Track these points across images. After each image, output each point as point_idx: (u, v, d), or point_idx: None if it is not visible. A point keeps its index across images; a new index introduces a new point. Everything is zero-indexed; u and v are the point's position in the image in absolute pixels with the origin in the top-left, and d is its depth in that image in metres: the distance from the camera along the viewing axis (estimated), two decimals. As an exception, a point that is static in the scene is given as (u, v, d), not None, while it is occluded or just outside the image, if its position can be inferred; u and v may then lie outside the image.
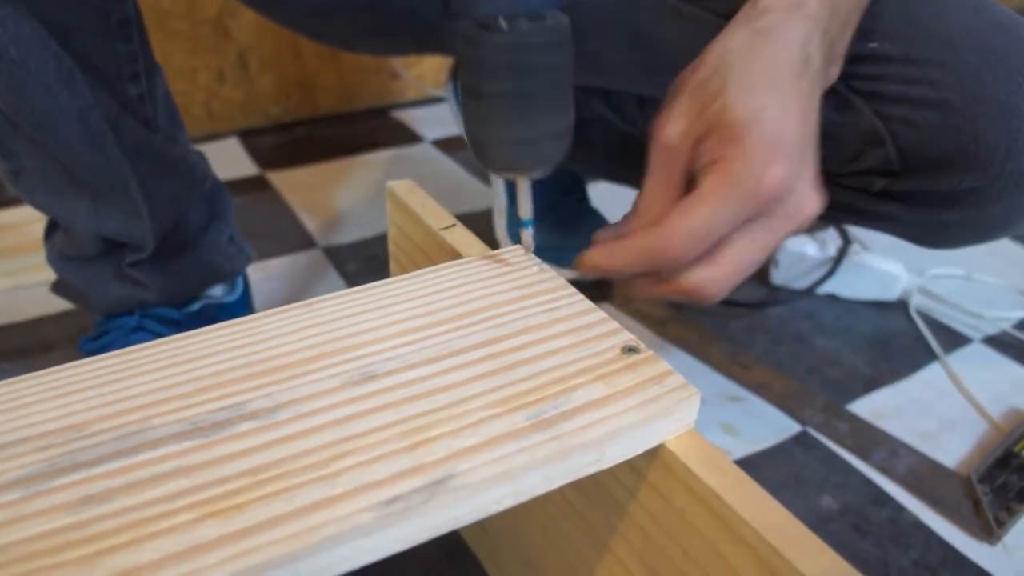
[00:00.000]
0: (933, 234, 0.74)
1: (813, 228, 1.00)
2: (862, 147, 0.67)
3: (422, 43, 0.89)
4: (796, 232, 0.48)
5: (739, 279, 0.47)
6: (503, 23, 0.40)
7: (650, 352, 0.40)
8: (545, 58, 0.41)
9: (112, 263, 0.75)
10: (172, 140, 0.74)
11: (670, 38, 0.75)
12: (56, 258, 0.77)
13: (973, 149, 0.62)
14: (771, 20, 0.49)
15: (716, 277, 0.46)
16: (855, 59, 0.61)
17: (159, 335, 0.77)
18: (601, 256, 0.47)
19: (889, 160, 0.67)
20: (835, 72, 0.54)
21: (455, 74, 1.13)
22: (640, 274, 0.47)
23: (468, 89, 0.42)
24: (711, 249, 0.46)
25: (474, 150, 0.44)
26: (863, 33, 0.58)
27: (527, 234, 0.47)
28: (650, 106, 0.88)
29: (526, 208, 0.46)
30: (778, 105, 0.46)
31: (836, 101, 0.52)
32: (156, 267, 0.75)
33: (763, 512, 0.33)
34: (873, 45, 0.63)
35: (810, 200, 0.47)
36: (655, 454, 0.37)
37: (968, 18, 0.64)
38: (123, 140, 0.67)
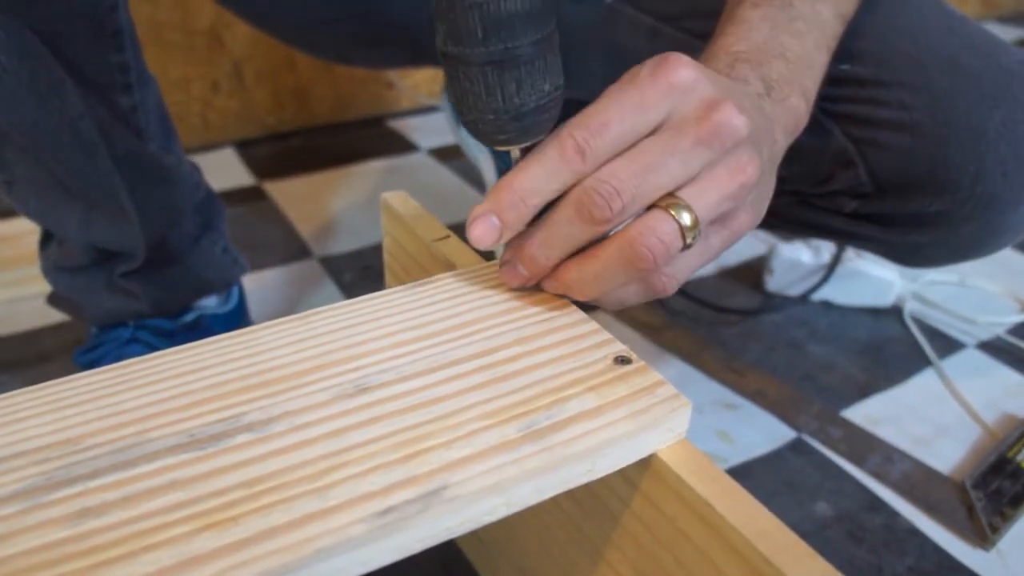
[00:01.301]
0: (909, 254, 0.74)
1: (787, 237, 1.01)
2: (833, 168, 0.68)
3: (415, 56, 0.90)
4: (726, 174, 0.41)
5: (649, 187, 0.40)
6: None
7: (642, 362, 0.40)
8: (524, 16, 0.39)
9: (104, 273, 0.75)
10: (164, 150, 0.74)
11: (647, 57, 0.75)
12: (50, 269, 0.77)
13: (943, 172, 0.63)
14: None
15: (618, 170, 0.40)
16: (827, 80, 0.61)
17: (153, 346, 0.77)
18: (500, 194, 0.41)
19: (860, 182, 0.67)
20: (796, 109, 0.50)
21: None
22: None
23: (448, 61, 0.41)
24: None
25: (463, 123, 0.43)
26: (836, 54, 0.58)
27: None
28: None
29: None
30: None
31: (808, 123, 0.51)
32: (148, 277, 0.76)
33: (753, 520, 0.34)
34: (845, 67, 0.63)
35: (740, 124, 0.41)
36: (647, 464, 0.37)
37: (942, 39, 0.64)
38: (114, 149, 0.67)
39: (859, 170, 0.66)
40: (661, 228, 0.40)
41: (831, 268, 0.97)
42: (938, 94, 0.62)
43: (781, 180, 0.49)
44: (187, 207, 0.77)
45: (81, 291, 0.77)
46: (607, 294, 0.43)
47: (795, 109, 0.49)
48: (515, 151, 0.44)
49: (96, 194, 0.68)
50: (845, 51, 0.62)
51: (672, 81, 0.41)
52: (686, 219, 0.40)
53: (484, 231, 0.41)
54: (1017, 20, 2.28)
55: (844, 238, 0.76)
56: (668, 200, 0.40)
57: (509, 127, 0.41)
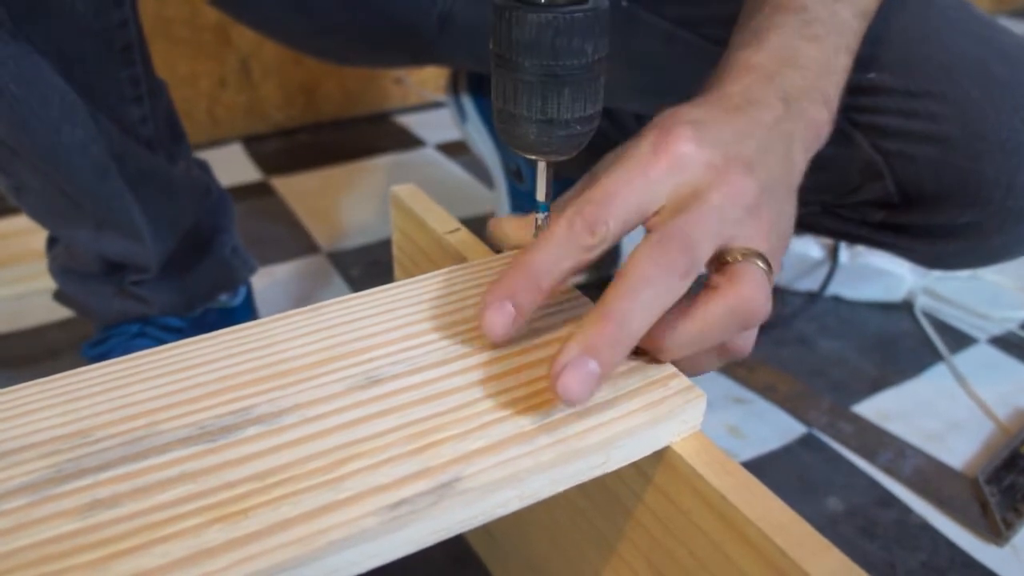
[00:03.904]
0: (933, 260, 0.73)
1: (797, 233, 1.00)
2: (860, 180, 0.66)
3: (418, 58, 0.89)
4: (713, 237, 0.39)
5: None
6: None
7: (655, 354, 0.40)
8: (579, 40, 0.40)
9: (114, 281, 0.75)
10: (174, 157, 0.74)
11: (664, 61, 0.74)
12: (57, 270, 0.77)
13: (973, 185, 0.61)
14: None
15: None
16: (854, 90, 0.58)
17: (161, 340, 0.77)
18: (514, 276, 0.39)
19: (888, 193, 0.66)
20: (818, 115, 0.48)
21: (456, 87, 1.13)
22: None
23: (499, 63, 0.41)
24: None
25: (498, 126, 0.44)
26: (863, 62, 0.57)
27: (542, 218, 0.46)
28: (647, 122, 0.88)
29: (543, 191, 0.45)
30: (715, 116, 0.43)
31: (834, 134, 0.50)
32: (158, 285, 0.75)
33: (769, 513, 0.33)
34: (872, 76, 0.62)
35: (743, 183, 0.40)
36: (661, 456, 0.37)
37: (972, 47, 0.62)
38: (126, 169, 0.67)
39: (887, 182, 0.64)
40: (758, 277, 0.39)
41: (834, 256, 0.97)
42: (969, 105, 0.60)
43: (805, 190, 0.48)
44: (198, 213, 0.77)
45: (89, 294, 0.77)
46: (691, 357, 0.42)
47: (815, 120, 0.48)
48: (541, 163, 0.45)
49: (107, 212, 0.68)
50: (873, 59, 0.61)
51: (674, 156, 0.40)
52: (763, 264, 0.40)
53: (498, 318, 0.38)
54: (1027, 14, 2.27)
55: (868, 244, 0.75)
56: (743, 250, 0.40)
57: (545, 138, 0.42)
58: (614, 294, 0.36)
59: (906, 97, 0.62)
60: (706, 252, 0.39)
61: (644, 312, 0.36)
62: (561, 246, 0.39)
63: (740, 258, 0.39)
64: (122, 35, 0.64)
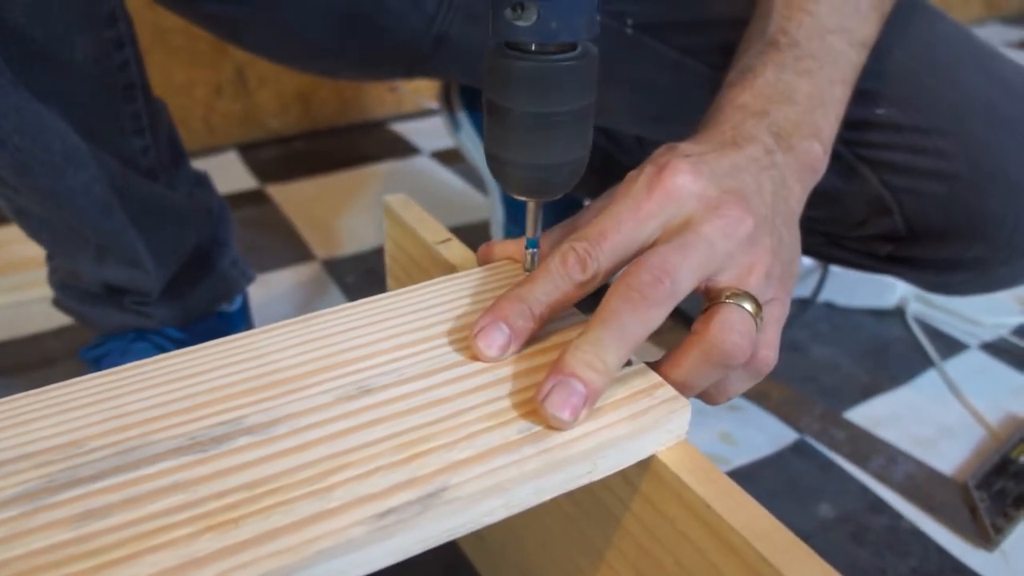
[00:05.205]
0: (938, 287, 0.74)
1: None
2: (868, 214, 0.67)
3: (412, 73, 0.90)
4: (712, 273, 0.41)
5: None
6: (532, 47, 0.40)
7: (642, 364, 0.40)
8: (570, 87, 0.40)
9: (115, 301, 0.75)
10: (175, 182, 0.74)
11: (668, 87, 0.75)
12: (57, 284, 0.77)
13: (980, 222, 0.62)
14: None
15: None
16: (862, 125, 0.58)
17: (158, 344, 0.78)
18: (507, 303, 0.41)
19: (896, 227, 0.66)
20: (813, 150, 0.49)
21: (448, 98, 1.13)
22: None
23: (490, 108, 0.42)
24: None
25: (489, 167, 0.44)
26: (871, 98, 0.56)
27: (532, 254, 0.47)
28: (649, 144, 0.89)
29: (532, 229, 0.46)
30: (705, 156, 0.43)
31: (842, 168, 0.50)
32: (160, 304, 0.76)
33: (752, 520, 0.34)
34: (881, 111, 0.62)
35: (743, 220, 0.41)
36: (647, 465, 0.38)
37: (979, 82, 0.63)
38: (128, 203, 0.67)
39: (895, 217, 0.65)
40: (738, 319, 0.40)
41: (824, 266, 0.97)
42: (976, 144, 0.61)
43: (813, 220, 0.48)
44: (199, 239, 0.77)
45: (89, 309, 0.77)
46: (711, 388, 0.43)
47: (808, 153, 0.48)
48: (532, 203, 0.45)
49: (110, 243, 0.68)
50: (880, 95, 0.61)
51: (668, 190, 0.41)
52: (749, 306, 0.40)
53: (493, 338, 0.40)
54: (1021, 21, 2.27)
55: (874, 272, 0.76)
56: (730, 291, 0.40)
57: (535, 182, 0.43)
58: (591, 321, 0.38)
59: (914, 133, 0.63)
60: (687, 281, 0.39)
61: (618, 342, 0.37)
62: (553, 279, 0.41)
63: (725, 299, 0.40)
64: (123, 76, 0.64)
